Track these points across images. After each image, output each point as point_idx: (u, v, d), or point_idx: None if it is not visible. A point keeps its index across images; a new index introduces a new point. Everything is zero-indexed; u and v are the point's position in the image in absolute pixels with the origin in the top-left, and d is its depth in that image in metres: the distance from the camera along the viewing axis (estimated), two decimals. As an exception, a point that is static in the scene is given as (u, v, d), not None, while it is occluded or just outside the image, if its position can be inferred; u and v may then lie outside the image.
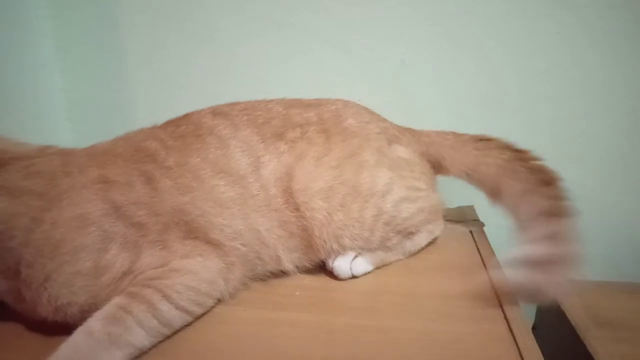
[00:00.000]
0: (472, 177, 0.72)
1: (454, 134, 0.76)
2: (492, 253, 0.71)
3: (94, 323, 0.49)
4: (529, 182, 0.66)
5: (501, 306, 0.58)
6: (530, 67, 0.89)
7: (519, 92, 0.91)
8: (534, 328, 0.97)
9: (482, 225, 0.79)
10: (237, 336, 0.54)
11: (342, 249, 0.64)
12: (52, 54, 1.00)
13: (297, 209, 0.62)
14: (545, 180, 0.65)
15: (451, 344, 0.52)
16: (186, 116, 0.68)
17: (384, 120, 0.75)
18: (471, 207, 0.84)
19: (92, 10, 0.98)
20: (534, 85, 0.90)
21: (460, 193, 0.78)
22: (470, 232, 0.78)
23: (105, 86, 1.02)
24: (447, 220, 0.80)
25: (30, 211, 0.52)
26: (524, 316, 0.57)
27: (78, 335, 0.48)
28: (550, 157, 0.88)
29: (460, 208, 0.84)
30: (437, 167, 0.75)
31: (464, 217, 0.81)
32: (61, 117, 1.04)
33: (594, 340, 0.73)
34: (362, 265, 0.65)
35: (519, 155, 0.69)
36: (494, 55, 0.90)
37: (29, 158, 0.57)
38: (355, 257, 0.65)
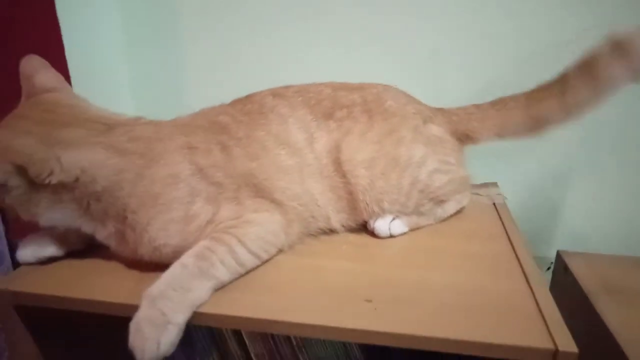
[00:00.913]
0: (505, 134, 0.82)
1: (475, 106, 0.86)
2: (513, 223, 0.81)
3: (187, 259, 0.61)
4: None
5: (520, 264, 0.68)
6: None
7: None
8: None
9: (505, 198, 0.89)
10: (294, 277, 0.66)
11: (382, 212, 0.75)
12: (119, 37, 1.12)
13: (344, 176, 0.74)
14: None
15: (475, 294, 0.61)
16: (249, 96, 0.80)
17: (419, 102, 0.86)
18: (494, 184, 0.94)
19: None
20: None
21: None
22: (494, 204, 0.88)
23: (164, 68, 1.15)
24: (473, 194, 0.91)
25: (135, 168, 0.64)
26: (542, 273, 0.66)
27: (175, 267, 0.60)
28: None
29: (485, 184, 0.94)
30: (467, 140, 0.85)
31: (488, 192, 0.91)
32: (126, 95, 1.17)
33: (602, 304, 0.82)
34: (399, 226, 0.76)
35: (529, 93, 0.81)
36: (520, 44, 0.98)
37: (128, 125, 0.69)
38: (393, 219, 0.76)
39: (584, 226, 1.07)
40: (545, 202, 1.07)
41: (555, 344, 0.51)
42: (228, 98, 0.81)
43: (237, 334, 0.84)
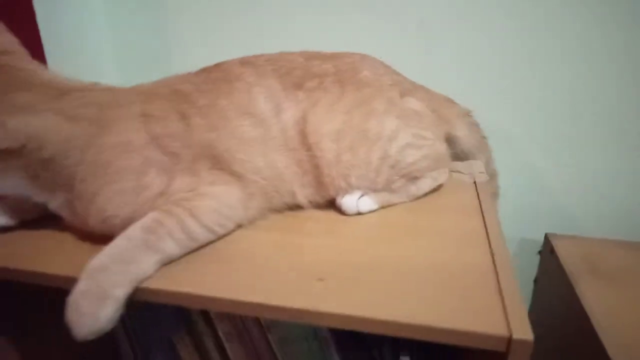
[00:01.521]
0: (463, 145, 0.87)
1: (454, 102, 0.87)
2: (491, 201, 0.77)
3: (133, 231, 0.58)
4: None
5: (489, 243, 0.64)
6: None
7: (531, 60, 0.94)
8: (535, 280, 1.03)
9: (486, 178, 0.85)
10: (248, 253, 0.62)
11: (350, 187, 0.71)
12: (101, 7, 1.09)
13: (310, 149, 0.70)
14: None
15: (435, 273, 0.57)
16: (217, 65, 0.76)
17: (399, 74, 0.81)
18: (479, 163, 0.89)
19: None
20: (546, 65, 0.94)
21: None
22: (475, 183, 0.83)
23: (148, 38, 1.12)
24: (454, 171, 0.86)
25: (85, 135, 0.61)
26: (507, 250, 0.62)
27: (120, 239, 0.58)
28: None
29: (469, 162, 0.89)
30: (447, 127, 0.83)
31: (470, 169, 0.86)
32: (109, 65, 1.14)
33: (584, 286, 0.78)
34: (367, 203, 0.72)
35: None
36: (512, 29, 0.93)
37: (85, 90, 0.66)
38: (362, 195, 0.72)
39: (576, 209, 1.02)
40: (537, 184, 1.02)
41: (510, 330, 0.47)
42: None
43: (204, 312, 0.82)
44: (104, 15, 1.09)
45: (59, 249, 0.64)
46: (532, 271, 1.04)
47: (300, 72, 0.74)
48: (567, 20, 0.90)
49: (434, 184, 0.78)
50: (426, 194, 0.78)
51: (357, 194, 0.72)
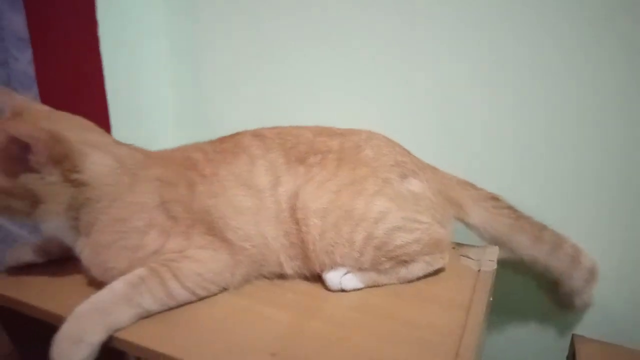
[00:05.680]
0: (486, 230, 0.83)
1: (472, 185, 0.86)
2: (485, 295, 0.73)
3: (117, 283, 0.65)
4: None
5: (460, 342, 0.62)
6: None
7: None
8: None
9: (494, 266, 0.80)
10: (220, 319, 0.66)
11: (333, 264, 0.73)
12: (165, 72, 1.23)
13: (298, 223, 0.73)
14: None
15: None
16: (233, 135, 0.83)
17: (406, 155, 0.82)
18: (494, 249, 0.85)
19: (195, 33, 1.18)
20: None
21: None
22: (479, 271, 0.80)
23: (200, 101, 1.23)
24: (462, 255, 0.84)
25: (121, 184, 0.70)
26: (477, 356, 0.60)
27: (105, 290, 0.65)
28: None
29: (484, 247, 0.86)
30: (456, 210, 0.82)
31: (480, 256, 0.83)
32: (170, 126, 1.28)
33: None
34: (351, 281, 0.73)
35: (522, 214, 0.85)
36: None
37: (130, 144, 0.76)
38: (347, 273, 0.73)
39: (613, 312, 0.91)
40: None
41: None
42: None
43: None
44: (166, 81, 1.23)
45: (65, 289, 0.73)
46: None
47: (305, 148, 0.79)
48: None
49: (428, 269, 0.76)
50: (420, 278, 0.76)
51: (341, 271, 0.73)
